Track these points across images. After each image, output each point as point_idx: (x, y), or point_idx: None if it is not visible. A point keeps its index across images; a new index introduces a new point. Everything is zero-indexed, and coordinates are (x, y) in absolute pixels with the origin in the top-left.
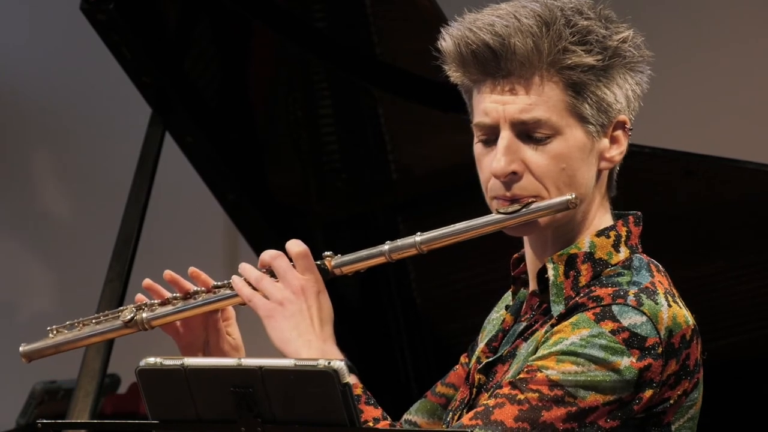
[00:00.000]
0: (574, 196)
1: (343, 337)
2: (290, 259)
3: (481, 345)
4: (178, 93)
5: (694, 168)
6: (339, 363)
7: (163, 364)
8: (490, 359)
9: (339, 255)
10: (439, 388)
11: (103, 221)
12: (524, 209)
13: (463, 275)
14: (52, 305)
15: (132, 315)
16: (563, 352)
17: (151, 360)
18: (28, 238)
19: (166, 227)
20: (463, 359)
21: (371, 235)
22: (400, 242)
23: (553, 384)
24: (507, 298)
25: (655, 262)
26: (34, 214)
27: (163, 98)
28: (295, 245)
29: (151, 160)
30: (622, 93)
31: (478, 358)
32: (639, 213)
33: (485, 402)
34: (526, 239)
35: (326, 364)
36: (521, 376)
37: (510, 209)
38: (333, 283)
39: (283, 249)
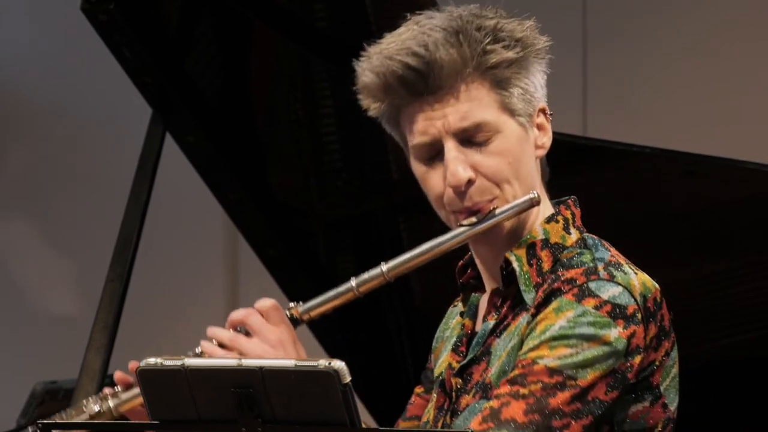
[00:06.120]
0: (536, 194)
1: (343, 338)
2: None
3: (443, 356)
4: (179, 93)
5: (694, 168)
6: (339, 363)
7: (164, 365)
8: (464, 362)
9: (301, 303)
10: (402, 424)
11: (103, 221)
12: (489, 217)
13: None
14: (51, 306)
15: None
16: (554, 338)
17: (152, 360)
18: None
19: (166, 227)
20: (417, 390)
21: (371, 235)
22: (366, 275)
23: (551, 371)
24: (454, 311)
25: (603, 240)
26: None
27: (163, 98)
28: (265, 301)
29: (151, 160)
30: (537, 81)
31: (450, 364)
32: (575, 197)
33: (489, 405)
34: (471, 243)
35: (327, 364)
36: (517, 372)
37: (474, 220)
38: (333, 285)
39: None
